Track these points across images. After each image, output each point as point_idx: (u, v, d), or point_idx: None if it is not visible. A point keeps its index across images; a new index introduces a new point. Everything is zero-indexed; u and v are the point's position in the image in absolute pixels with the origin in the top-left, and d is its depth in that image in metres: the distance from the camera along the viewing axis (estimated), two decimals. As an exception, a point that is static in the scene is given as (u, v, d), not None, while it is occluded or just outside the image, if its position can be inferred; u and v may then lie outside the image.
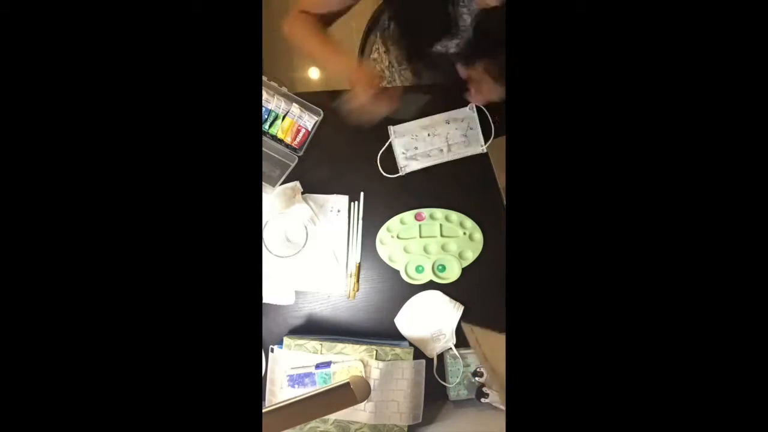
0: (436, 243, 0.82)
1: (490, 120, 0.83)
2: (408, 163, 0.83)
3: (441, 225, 0.82)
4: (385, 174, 0.83)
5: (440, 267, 0.82)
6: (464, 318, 0.81)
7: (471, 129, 0.83)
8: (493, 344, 0.69)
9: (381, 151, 0.84)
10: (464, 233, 0.82)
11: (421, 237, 0.82)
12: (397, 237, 0.82)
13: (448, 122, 0.84)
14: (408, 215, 0.82)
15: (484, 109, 0.83)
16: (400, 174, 0.83)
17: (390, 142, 0.83)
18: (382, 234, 0.82)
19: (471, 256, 0.82)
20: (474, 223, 0.82)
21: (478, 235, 0.82)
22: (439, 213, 0.82)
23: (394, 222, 0.82)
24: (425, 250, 0.82)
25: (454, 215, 0.82)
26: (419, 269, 0.82)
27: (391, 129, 0.83)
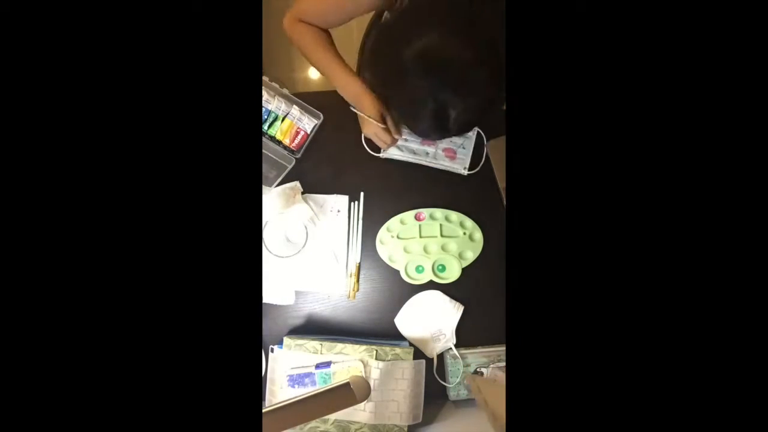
0: (436, 243, 0.82)
1: (485, 148, 0.83)
2: (391, 150, 0.82)
3: (441, 225, 0.82)
4: (371, 152, 0.83)
5: (440, 267, 0.82)
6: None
7: (463, 148, 0.83)
8: (495, 390, 0.70)
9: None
10: (464, 233, 0.82)
11: (421, 237, 0.82)
12: (397, 237, 0.82)
13: None
14: (408, 215, 0.82)
15: (483, 135, 0.83)
16: (381, 155, 0.82)
17: None
18: (382, 234, 0.82)
19: (471, 256, 0.82)
20: (474, 223, 0.82)
21: (479, 235, 0.82)
22: (439, 213, 0.82)
23: (394, 222, 0.82)
24: (425, 250, 0.82)
25: (454, 215, 0.82)
26: (419, 269, 0.82)
27: None
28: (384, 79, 0.62)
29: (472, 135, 0.83)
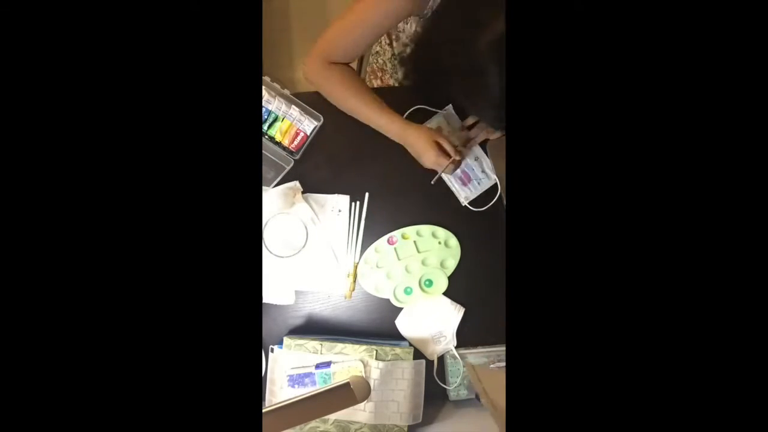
0: (416, 260, 0.81)
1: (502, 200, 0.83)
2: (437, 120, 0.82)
3: (415, 242, 0.82)
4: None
5: (427, 282, 0.82)
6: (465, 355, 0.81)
7: (478, 184, 0.83)
8: (494, 381, 0.70)
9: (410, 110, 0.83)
10: (439, 243, 0.82)
11: (399, 259, 0.81)
12: (377, 266, 0.82)
13: (476, 159, 0.84)
14: (380, 243, 0.82)
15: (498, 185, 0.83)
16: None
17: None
18: (362, 268, 0.82)
19: (453, 263, 0.82)
20: (445, 230, 0.82)
21: (453, 241, 0.82)
22: (409, 231, 0.82)
23: (369, 253, 0.82)
24: (407, 270, 0.82)
25: (425, 228, 0.82)
26: (408, 291, 0.82)
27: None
28: (450, 73, 0.58)
29: (494, 178, 0.83)
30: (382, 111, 0.74)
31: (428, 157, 0.72)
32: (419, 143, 0.72)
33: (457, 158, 0.72)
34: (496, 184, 0.83)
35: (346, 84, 0.73)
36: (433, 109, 0.84)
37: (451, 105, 0.83)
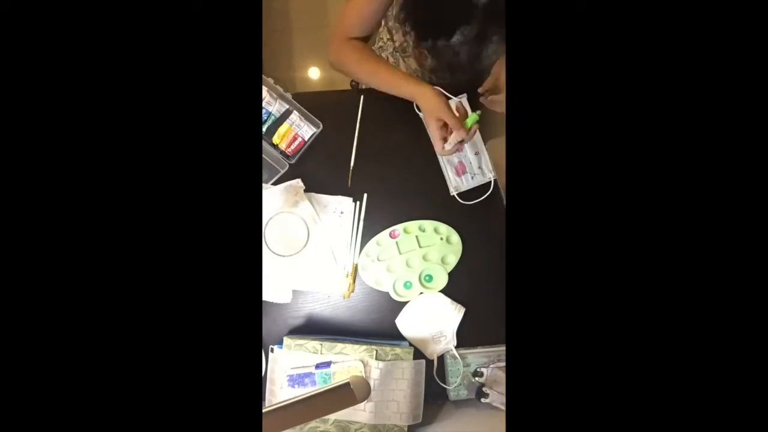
0: (417, 255, 0.81)
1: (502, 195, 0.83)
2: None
3: (417, 237, 0.82)
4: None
5: (427, 277, 0.82)
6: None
7: (471, 178, 0.83)
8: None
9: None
10: (441, 239, 0.82)
11: (401, 253, 0.81)
12: (377, 259, 0.82)
13: (477, 153, 0.84)
14: (383, 236, 0.82)
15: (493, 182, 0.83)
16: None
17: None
18: (363, 260, 0.82)
19: (453, 259, 0.82)
20: (448, 226, 0.82)
21: (455, 238, 0.82)
22: (412, 226, 0.82)
23: (371, 246, 0.82)
24: (408, 264, 0.82)
25: (427, 224, 0.82)
26: (407, 285, 0.82)
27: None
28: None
29: (489, 176, 0.83)
30: (395, 72, 0.78)
31: (431, 124, 0.74)
32: (429, 105, 0.74)
33: (458, 139, 0.72)
34: (489, 182, 0.83)
35: (362, 53, 0.80)
36: (448, 95, 0.83)
37: (465, 95, 0.83)
